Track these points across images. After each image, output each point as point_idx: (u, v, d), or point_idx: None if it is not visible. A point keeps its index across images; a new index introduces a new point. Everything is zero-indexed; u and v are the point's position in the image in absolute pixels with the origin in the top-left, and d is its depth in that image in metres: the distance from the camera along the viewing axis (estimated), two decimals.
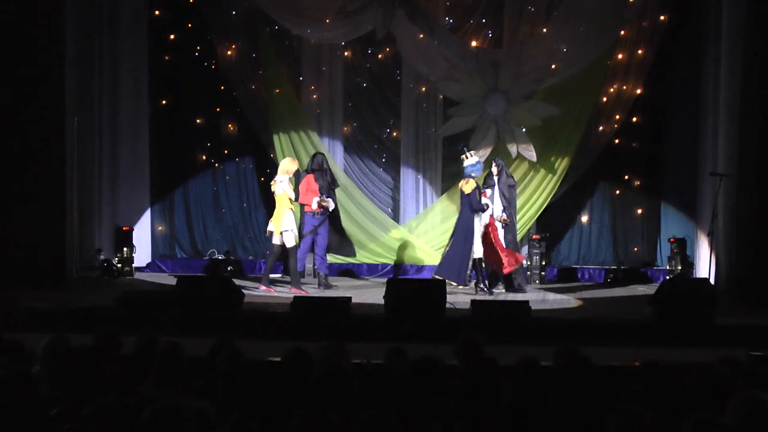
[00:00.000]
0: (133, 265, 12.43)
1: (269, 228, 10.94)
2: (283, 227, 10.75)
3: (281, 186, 10.81)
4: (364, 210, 13.05)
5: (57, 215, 11.09)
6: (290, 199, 10.83)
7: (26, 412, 3.96)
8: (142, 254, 12.91)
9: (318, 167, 11.28)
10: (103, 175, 12.76)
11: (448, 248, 11.25)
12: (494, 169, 11.32)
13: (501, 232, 11.09)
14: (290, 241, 10.79)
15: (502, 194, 11.22)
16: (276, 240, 10.84)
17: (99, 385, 4.42)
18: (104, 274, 12.05)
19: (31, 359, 4.94)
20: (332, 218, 11.39)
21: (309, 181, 11.18)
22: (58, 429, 3.73)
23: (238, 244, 13.53)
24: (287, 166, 10.99)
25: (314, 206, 11.01)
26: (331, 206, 11.22)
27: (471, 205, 10.90)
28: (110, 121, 12.75)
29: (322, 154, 11.64)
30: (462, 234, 10.98)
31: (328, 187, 11.29)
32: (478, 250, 10.96)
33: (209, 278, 11.19)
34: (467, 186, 10.93)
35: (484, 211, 10.93)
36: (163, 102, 13.31)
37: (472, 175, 10.97)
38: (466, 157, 11.13)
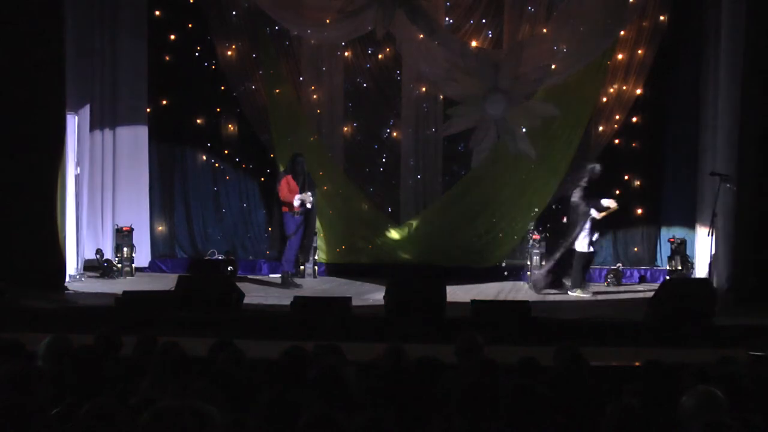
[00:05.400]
0: (133, 265, 12.43)
1: None
2: None
3: None
4: (363, 210, 13.04)
5: (57, 215, 11.07)
6: None
7: (26, 412, 3.96)
8: (142, 254, 12.90)
9: (292, 168, 11.42)
10: (103, 175, 12.76)
11: None
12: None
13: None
14: None
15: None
16: None
17: (99, 385, 4.42)
18: (104, 274, 12.06)
19: (31, 359, 4.93)
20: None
21: (288, 182, 11.31)
22: (58, 429, 3.73)
23: (238, 244, 13.52)
24: None
25: (296, 203, 11.16)
26: (309, 200, 11.35)
27: None
28: (110, 121, 12.75)
29: (301, 155, 11.67)
30: None
31: (309, 188, 11.42)
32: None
33: (209, 278, 11.19)
34: None
35: None
36: (163, 102, 13.30)
37: None
38: None
